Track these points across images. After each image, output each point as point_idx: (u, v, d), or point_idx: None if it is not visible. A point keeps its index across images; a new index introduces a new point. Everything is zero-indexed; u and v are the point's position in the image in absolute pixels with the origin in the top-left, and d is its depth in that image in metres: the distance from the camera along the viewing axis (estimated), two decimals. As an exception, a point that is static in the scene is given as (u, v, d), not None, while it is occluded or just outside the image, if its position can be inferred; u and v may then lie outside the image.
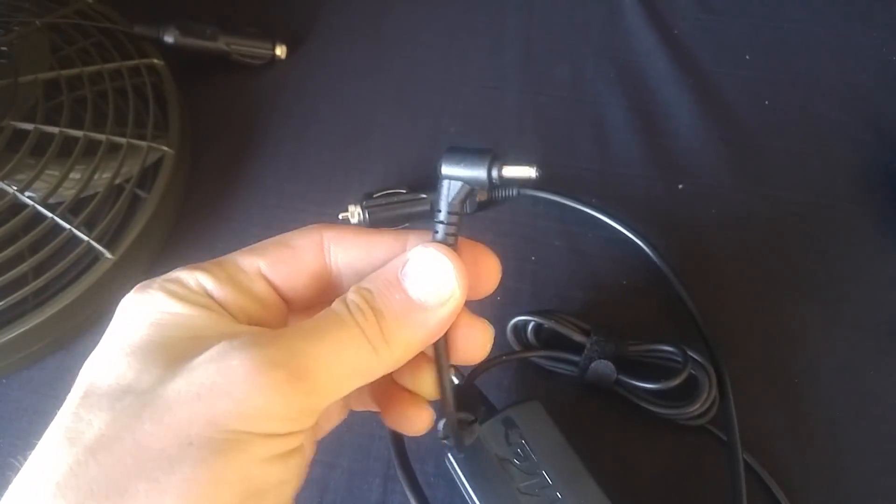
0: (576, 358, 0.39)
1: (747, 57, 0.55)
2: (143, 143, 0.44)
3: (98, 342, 0.36)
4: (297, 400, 0.17)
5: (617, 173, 0.48)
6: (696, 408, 0.36)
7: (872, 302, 0.42)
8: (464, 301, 0.21)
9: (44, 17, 0.48)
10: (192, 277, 0.21)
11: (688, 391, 0.37)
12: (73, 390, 0.19)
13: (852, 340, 0.41)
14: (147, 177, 0.45)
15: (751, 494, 0.36)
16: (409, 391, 0.24)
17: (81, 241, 0.41)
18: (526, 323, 0.40)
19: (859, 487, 0.37)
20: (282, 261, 0.22)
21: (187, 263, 0.45)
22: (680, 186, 0.48)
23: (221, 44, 0.52)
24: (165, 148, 0.45)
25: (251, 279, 0.21)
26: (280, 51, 0.54)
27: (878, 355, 0.41)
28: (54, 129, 0.43)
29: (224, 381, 0.17)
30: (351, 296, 0.20)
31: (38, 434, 0.37)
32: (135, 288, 0.20)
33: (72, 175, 0.43)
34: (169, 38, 0.50)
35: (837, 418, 0.39)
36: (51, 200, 0.42)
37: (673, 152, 0.49)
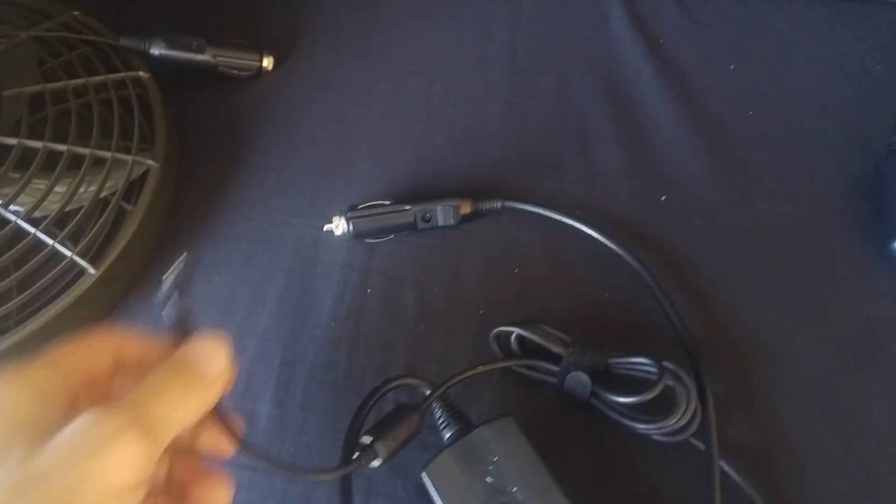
0: (554, 368, 0.39)
1: (732, 67, 0.55)
2: (128, 157, 0.45)
3: None
4: (148, 448, 0.22)
5: (601, 184, 0.49)
6: (673, 421, 0.36)
7: (852, 315, 0.43)
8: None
9: (29, 30, 0.48)
10: (22, 372, 0.25)
11: (666, 405, 0.37)
12: None
13: (831, 354, 0.41)
14: (133, 190, 0.46)
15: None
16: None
17: (65, 256, 0.41)
18: (509, 333, 0.41)
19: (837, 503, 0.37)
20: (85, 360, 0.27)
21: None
22: (663, 198, 0.48)
23: (208, 56, 0.52)
24: (150, 162, 0.45)
25: (67, 372, 0.26)
26: (267, 62, 0.54)
27: (857, 369, 0.41)
28: (38, 144, 0.43)
29: (92, 446, 0.21)
30: (164, 368, 0.26)
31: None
32: None
33: (56, 189, 0.43)
34: (155, 51, 0.50)
35: (815, 433, 0.39)
36: (36, 214, 0.42)
37: (657, 163, 0.50)
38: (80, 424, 0.21)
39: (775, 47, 0.56)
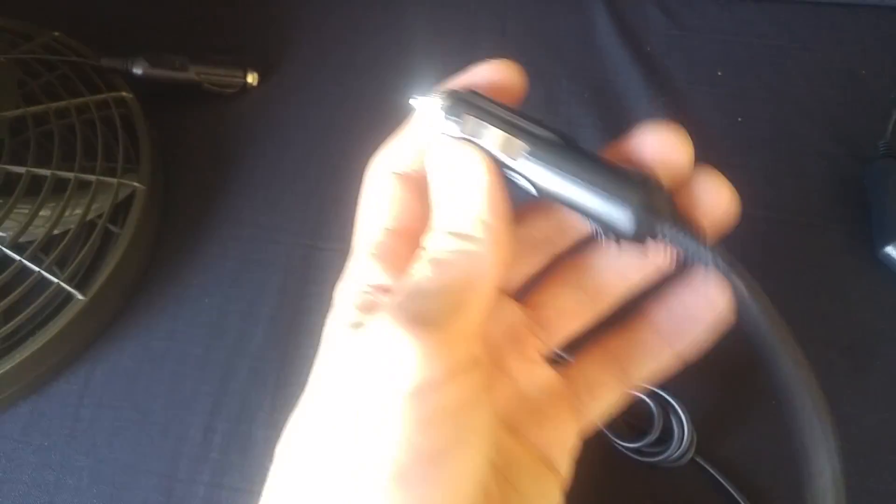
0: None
1: (719, 73, 0.55)
2: (113, 180, 0.44)
3: (70, 385, 0.40)
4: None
5: (592, 195, 0.48)
6: (672, 452, 0.37)
7: (845, 322, 0.43)
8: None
9: (9, 53, 0.47)
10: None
11: (664, 434, 0.37)
12: None
13: (828, 361, 0.41)
14: (119, 212, 0.45)
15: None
16: None
17: (52, 282, 0.40)
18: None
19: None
20: None
21: (162, 300, 0.44)
22: (655, 207, 0.48)
23: (192, 74, 0.51)
24: (136, 184, 0.45)
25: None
26: (252, 78, 0.53)
27: (853, 375, 0.41)
28: (21, 169, 0.42)
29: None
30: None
31: (11, 481, 0.37)
32: None
33: (41, 213, 0.42)
34: (138, 70, 0.50)
35: (814, 441, 0.39)
36: (21, 240, 0.41)
37: (647, 173, 0.49)
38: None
39: (762, 52, 0.56)
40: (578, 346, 0.27)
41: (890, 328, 0.42)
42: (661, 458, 0.37)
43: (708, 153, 0.50)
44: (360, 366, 0.20)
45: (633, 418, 0.39)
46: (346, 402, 0.20)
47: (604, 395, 0.26)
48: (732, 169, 0.49)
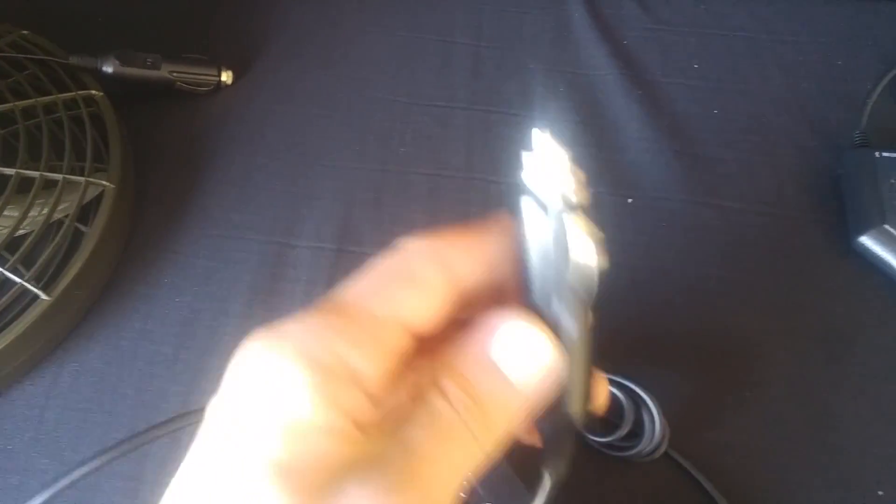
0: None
1: (696, 66, 0.55)
2: (81, 179, 0.43)
3: (35, 387, 0.39)
4: None
5: (567, 189, 0.48)
6: (643, 447, 0.36)
7: (822, 311, 0.42)
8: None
9: (-25, 52, 0.47)
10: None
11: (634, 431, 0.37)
12: None
13: (803, 351, 0.41)
14: (89, 211, 0.44)
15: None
16: None
17: (15, 282, 0.40)
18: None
19: (812, 502, 0.37)
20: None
21: (132, 299, 0.44)
22: (629, 201, 0.48)
23: (164, 72, 0.51)
24: (105, 183, 0.44)
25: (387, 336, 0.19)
26: (226, 77, 0.53)
27: (829, 365, 0.41)
28: (-15, 168, 0.41)
29: None
30: (450, 389, 0.19)
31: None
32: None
33: (7, 213, 0.41)
34: (108, 69, 0.49)
35: (789, 432, 0.39)
36: (-14, 241, 0.41)
37: (622, 166, 0.49)
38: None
39: (738, 45, 0.56)
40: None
41: (866, 318, 0.42)
42: (633, 452, 0.37)
43: (683, 146, 0.50)
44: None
45: (604, 412, 0.38)
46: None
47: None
48: (708, 162, 0.49)
